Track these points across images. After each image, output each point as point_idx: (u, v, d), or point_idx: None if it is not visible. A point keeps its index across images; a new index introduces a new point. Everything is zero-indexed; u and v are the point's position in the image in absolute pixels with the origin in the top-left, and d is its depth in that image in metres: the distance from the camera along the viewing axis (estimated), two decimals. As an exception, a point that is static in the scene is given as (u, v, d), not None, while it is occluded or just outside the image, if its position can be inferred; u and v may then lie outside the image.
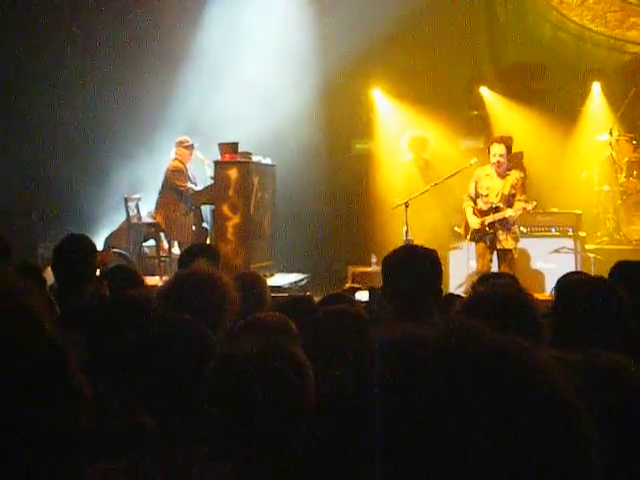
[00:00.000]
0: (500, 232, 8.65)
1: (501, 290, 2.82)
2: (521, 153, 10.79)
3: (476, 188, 8.83)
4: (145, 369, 2.25)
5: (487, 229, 8.67)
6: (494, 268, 8.65)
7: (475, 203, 8.85)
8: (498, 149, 8.59)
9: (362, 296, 6.87)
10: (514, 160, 9.47)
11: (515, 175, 8.73)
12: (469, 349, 0.97)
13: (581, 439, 0.96)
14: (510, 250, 8.64)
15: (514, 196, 8.65)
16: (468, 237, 8.86)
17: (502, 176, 8.69)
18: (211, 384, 1.99)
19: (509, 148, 8.67)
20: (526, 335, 2.32)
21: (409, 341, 1.03)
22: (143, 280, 4.93)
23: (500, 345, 0.99)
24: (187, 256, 4.71)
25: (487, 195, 8.74)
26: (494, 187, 8.71)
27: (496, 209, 8.65)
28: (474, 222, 8.74)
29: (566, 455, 0.94)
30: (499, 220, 8.61)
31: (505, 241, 8.64)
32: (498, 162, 8.59)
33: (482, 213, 8.76)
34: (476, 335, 1.00)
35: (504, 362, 0.96)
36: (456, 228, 9.28)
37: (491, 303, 2.62)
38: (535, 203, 8.60)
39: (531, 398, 0.94)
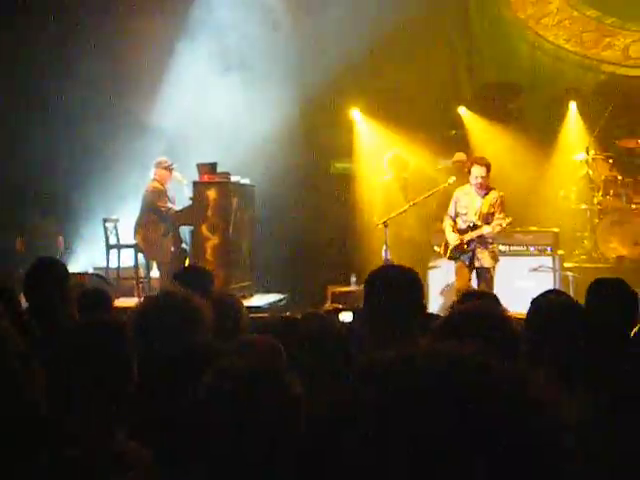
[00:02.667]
0: (478, 250, 8.72)
1: (479, 308, 2.83)
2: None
3: (455, 207, 8.93)
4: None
5: (465, 246, 8.73)
6: (473, 286, 8.69)
7: (454, 222, 8.93)
8: (479, 171, 8.72)
9: (346, 317, 6.86)
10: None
11: (494, 195, 8.83)
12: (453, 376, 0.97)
13: (559, 452, 0.96)
14: (488, 269, 8.71)
15: (493, 215, 8.74)
16: (447, 255, 8.91)
17: (481, 195, 8.79)
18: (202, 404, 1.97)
19: (489, 168, 8.78)
20: (503, 352, 2.33)
21: (394, 366, 1.03)
22: (112, 302, 4.91)
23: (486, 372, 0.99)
24: (178, 277, 4.68)
25: (466, 213, 8.83)
26: (473, 206, 8.82)
27: (474, 227, 8.73)
28: (453, 239, 8.82)
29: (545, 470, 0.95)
30: (477, 238, 8.68)
31: (484, 259, 8.71)
32: (479, 183, 8.70)
33: (461, 232, 8.83)
34: (459, 361, 1.00)
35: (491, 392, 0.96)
36: (436, 248, 9.32)
37: (469, 322, 2.62)
38: (510, 219, 8.68)
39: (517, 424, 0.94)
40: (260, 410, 1.91)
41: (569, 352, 2.81)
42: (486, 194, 8.82)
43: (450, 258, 8.90)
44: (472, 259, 8.73)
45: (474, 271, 8.76)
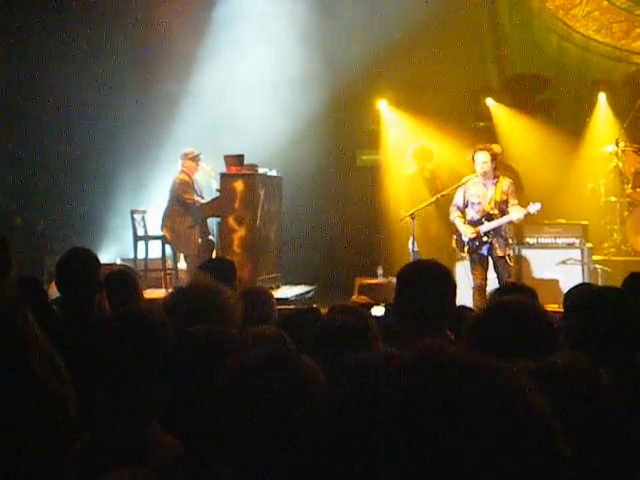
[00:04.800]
0: (495, 240, 8.66)
1: (513, 302, 2.79)
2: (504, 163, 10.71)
3: (465, 197, 8.83)
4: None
5: (485, 238, 8.66)
6: (492, 277, 8.67)
7: (462, 212, 8.85)
8: (483, 157, 8.62)
9: (378, 311, 6.83)
10: (502, 168, 9.50)
11: (504, 181, 8.75)
12: (443, 373, 0.95)
13: (556, 459, 0.94)
14: (503, 257, 8.65)
15: (506, 202, 8.67)
16: (465, 249, 8.83)
17: (491, 184, 8.71)
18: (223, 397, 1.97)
19: (493, 156, 8.70)
20: (541, 347, 2.31)
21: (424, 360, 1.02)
22: (141, 290, 4.93)
23: (474, 367, 0.97)
24: (202, 269, 4.69)
25: (479, 203, 8.73)
26: (485, 195, 8.72)
27: (489, 217, 8.66)
28: (468, 231, 8.73)
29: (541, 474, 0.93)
30: (494, 228, 8.63)
31: (500, 248, 8.66)
32: (484, 171, 8.62)
33: (474, 223, 8.75)
34: (449, 358, 0.98)
35: (478, 385, 0.94)
36: (454, 244, 9.19)
37: (503, 316, 2.60)
38: (539, 205, 8.58)
39: (505, 420, 0.93)
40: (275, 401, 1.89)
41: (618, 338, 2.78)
42: (496, 182, 8.74)
43: (468, 252, 8.81)
44: (490, 249, 8.66)
45: (491, 261, 8.70)
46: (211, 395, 1.93)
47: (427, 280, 3.35)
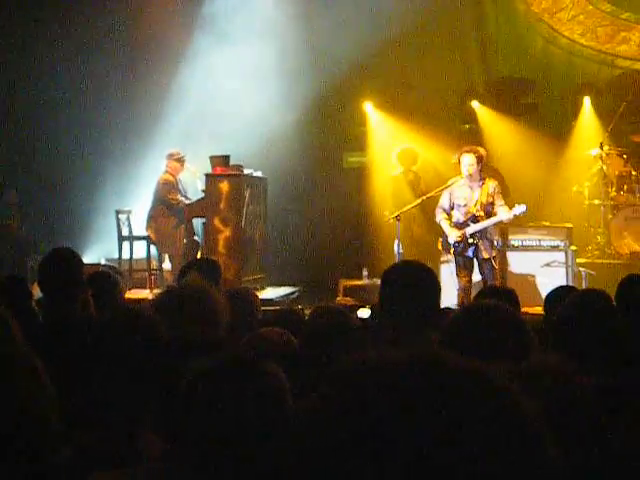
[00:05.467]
0: (480, 242, 8.69)
1: (488, 307, 2.80)
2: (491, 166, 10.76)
3: (450, 199, 8.86)
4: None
5: (471, 240, 8.69)
6: (477, 278, 8.71)
7: (448, 214, 8.88)
8: (469, 159, 8.65)
9: (364, 313, 6.82)
10: (488, 171, 9.53)
11: (490, 183, 8.78)
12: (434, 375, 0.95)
13: (545, 462, 0.95)
14: (489, 259, 8.68)
15: (492, 204, 8.70)
16: (451, 251, 8.86)
17: (477, 186, 8.74)
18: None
19: (479, 158, 8.72)
20: (514, 351, 2.32)
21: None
22: (123, 291, 4.92)
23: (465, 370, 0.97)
24: (187, 269, 4.67)
25: (465, 205, 8.76)
26: (471, 197, 8.74)
27: (474, 219, 8.69)
28: (454, 234, 8.75)
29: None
30: (480, 230, 8.66)
31: (485, 250, 8.68)
32: (469, 174, 8.65)
33: (459, 225, 8.77)
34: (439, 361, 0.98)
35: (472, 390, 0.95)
36: (440, 246, 9.22)
37: (478, 317, 2.61)
38: (525, 206, 8.61)
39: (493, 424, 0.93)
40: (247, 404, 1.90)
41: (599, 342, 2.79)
42: (482, 184, 8.77)
43: (454, 254, 8.84)
44: (476, 252, 8.70)
45: (476, 263, 8.74)
46: (178, 397, 1.94)
47: (410, 281, 3.35)
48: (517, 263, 9.99)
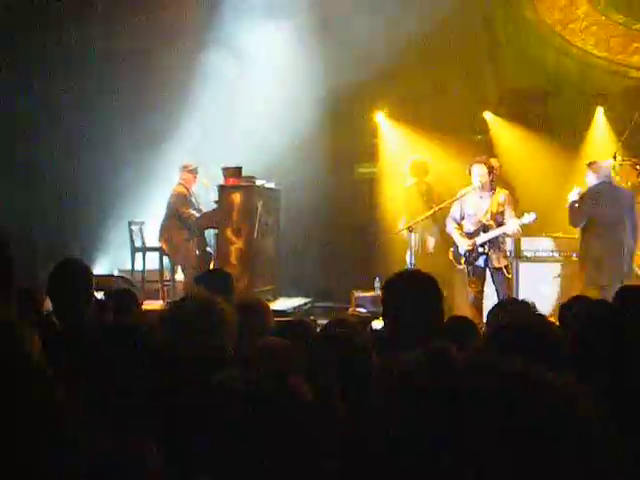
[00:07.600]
0: (491, 252, 8.66)
1: (523, 318, 2.82)
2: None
3: (461, 209, 8.85)
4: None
5: (482, 249, 8.66)
6: (490, 288, 8.67)
7: (459, 225, 8.87)
8: (479, 170, 8.66)
9: (378, 325, 6.81)
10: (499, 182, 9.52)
11: (501, 193, 8.78)
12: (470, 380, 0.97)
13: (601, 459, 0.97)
14: (501, 268, 8.64)
15: (503, 213, 8.68)
16: (462, 261, 8.83)
17: (487, 195, 8.73)
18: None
19: (490, 168, 8.71)
20: (547, 360, 2.32)
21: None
22: (141, 304, 4.94)
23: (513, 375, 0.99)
24: (199, 281, 4.69)
25: (475, 214, 8.75)
26: (481, 206, 8.73)
27: (485, 228, 8.67)
28: (464, 244, 8.73)
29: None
30: (490, 239, 8.64)
31: (497, 260, 8.65)
32: (481, 183, 8.64)
33: (470, 235, 8.75)
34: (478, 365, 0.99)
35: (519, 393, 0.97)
36: (451, 256, 9.19)
37: (515, 331, 2.62)
38: (534, 215, 8.58)
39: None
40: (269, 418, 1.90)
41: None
42: (492, 194, 8.76)
43: (465, 264, 8.81)
44: (487, 261, 8.67)
45: (489, 273, 8.70)
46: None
47: (410, 289, 3.37)
48: (530, 273, 9.97)
